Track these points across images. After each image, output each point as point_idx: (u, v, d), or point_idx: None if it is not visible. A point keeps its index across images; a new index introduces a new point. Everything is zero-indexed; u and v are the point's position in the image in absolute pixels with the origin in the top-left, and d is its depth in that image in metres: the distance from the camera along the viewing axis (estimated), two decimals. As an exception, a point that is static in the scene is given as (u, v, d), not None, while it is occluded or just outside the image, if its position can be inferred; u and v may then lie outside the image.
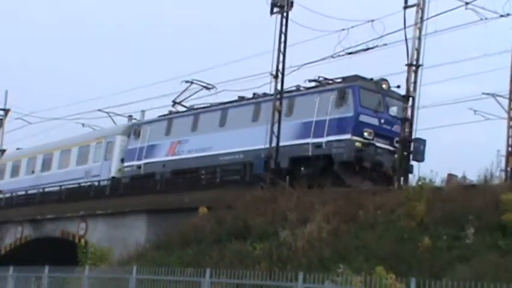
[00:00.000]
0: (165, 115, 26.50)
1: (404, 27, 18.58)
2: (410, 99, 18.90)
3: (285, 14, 21.35)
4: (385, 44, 20.14)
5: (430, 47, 19.85)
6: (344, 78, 20.62)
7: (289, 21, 21.45)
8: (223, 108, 23.62)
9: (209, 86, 26.10)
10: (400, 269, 12.26)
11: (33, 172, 31.59)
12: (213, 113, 23.69)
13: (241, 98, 23.75)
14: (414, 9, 18.77)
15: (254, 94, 23.39)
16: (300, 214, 16.94)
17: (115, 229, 23.60)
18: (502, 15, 18.79)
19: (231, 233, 17.28)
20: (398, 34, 18.86)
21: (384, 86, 20.55)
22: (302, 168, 20.00)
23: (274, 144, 20.44)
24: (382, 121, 19.97)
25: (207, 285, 12.86)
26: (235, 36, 64.25)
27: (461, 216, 14.35)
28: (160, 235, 19.70)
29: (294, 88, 21.96)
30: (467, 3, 18.86)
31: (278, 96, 20.89)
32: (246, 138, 21.45)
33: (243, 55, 45.85)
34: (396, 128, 19.95)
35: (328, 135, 19.35)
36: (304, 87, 21.98)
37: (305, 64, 22.08)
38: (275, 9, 21.25)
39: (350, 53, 20.97)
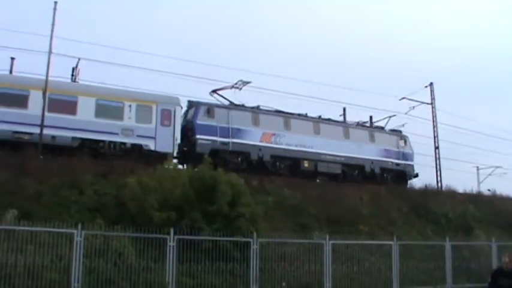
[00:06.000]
0: (239, 105, 30.33)
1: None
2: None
3: None
4: None
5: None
6: (393, 130, 36.40)
7: None
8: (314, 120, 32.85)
9: (240, 87, 30.96)
10: None
11: None
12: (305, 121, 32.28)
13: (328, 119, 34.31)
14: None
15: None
16: None
17: None
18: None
19: None
20: None
21: None
22: (385, 175, 33.86)
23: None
24: None
25: None
26: None
27: None
28: None
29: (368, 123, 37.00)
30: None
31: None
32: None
33: None
34: None
35: (402, 160, 34.90)
36: (364, 125, 36.32)
37: None
38: None
39: None
